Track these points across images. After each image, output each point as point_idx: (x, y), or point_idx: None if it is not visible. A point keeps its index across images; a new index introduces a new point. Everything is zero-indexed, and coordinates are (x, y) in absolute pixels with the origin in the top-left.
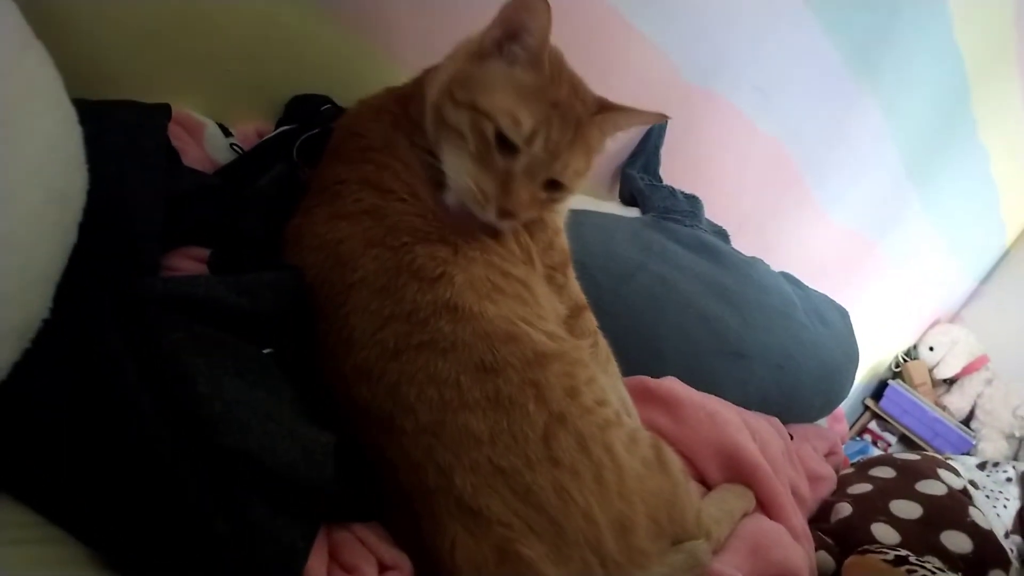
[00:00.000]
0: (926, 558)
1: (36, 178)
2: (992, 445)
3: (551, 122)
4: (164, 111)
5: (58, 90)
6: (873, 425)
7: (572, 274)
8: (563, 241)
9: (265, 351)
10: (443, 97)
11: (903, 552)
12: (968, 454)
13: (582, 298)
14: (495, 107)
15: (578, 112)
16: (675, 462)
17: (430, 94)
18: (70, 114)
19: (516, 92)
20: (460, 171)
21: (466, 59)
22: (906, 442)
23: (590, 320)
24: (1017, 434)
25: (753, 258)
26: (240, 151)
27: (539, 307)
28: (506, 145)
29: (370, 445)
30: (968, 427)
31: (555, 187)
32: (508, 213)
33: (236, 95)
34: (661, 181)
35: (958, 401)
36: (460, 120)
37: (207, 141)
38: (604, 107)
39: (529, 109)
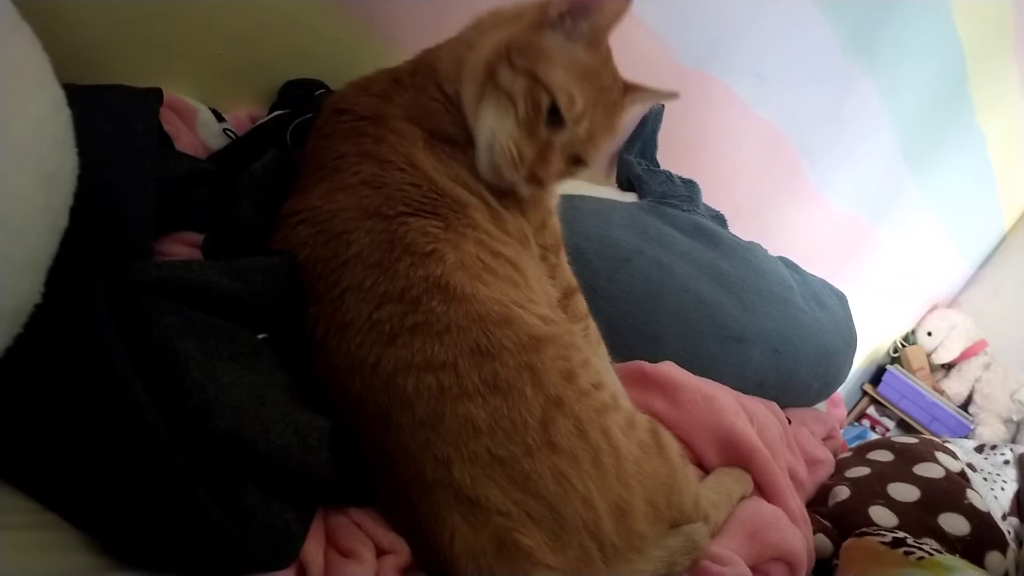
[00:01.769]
0: (924, 540)
1: (23, 161)
2: (990, 429)
3: (597, 106)
4: (156, 95)
5: (45, 72)
6: (871, 410)
7: (564, 256)
8: (556, 223)
9: (259, 336)
10: (498, 58)
11: (901, 534)
12: (966, 438)
13: (573, 281)
14: (555, 81)
15: (615, 97)
16: (672, 446)
17: (446, 64)
18: (58, 96)
19: (574, 70)
20: (503, 131)
21: (525, 26)
22: (904, 427)
23: (581, 303)
24: (1015, 418)
25: (751, 243)
26: (233, 136)
27: (530, 290)
28: (554, 119)
29: (366, 438)
30: (966, 412)
31: (576, 163)
32: (538, 180)
33: (229, 80)
34: (658, 166)
35: (956, 386)
36: (515, 84)
37: (200, 126)
38: (628, 88)
39: (583, 90)
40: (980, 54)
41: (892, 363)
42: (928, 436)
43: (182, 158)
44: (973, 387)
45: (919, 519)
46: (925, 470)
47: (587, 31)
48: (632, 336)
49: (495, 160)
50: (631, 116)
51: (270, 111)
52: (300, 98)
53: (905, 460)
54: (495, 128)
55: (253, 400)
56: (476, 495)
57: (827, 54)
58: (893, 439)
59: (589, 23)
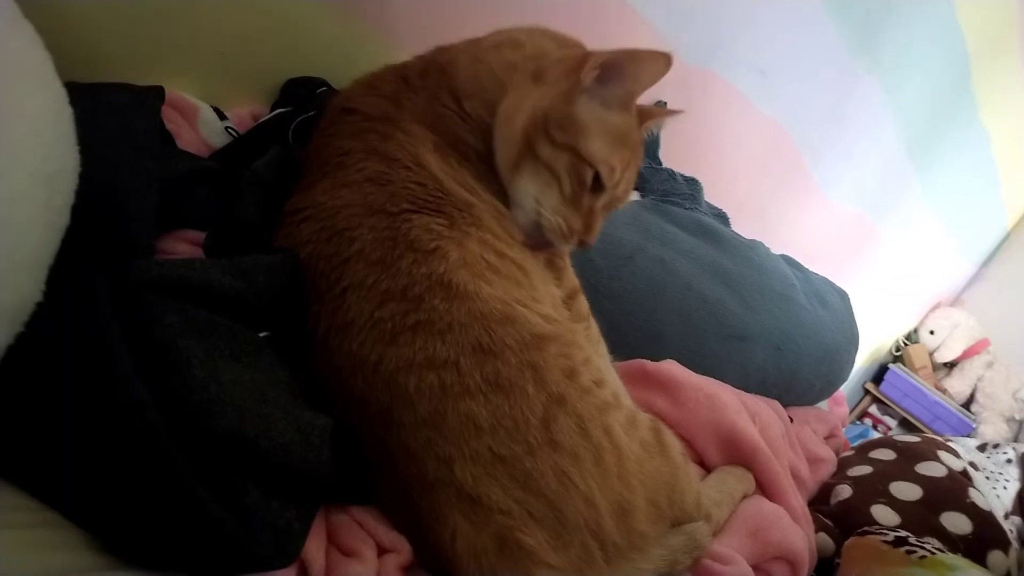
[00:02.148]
0: (926, 539)
1: (25, 158)
2: (992, 428)
3: (630, 164)
4: (158, 93)
5: (47, 70)
6: (873, 409)
7: (568, 260)
8: None
9: (261, 334)
10: (537, 132)
11: (903, 533)
12: (968, 437)
13: (576, 282)
14: (598, 155)
15: (639, 140)
16: (674, 444)
17: (463, 80)
18: (60, 95)
19: (610, 137)
20: (549, 208)
21: (558, 95)
22: (906, 426)
23: (583, 304)
24: (1017, 417)
25: (753, 240)
26: (235, 134)
27: (534, 289)
28: (595, 185)
29: (367, 437)
30: (968, 410)
31: (610, 208)
32: (586, 245)
33: (231, 78)
34: (660, 164)
35: (959, 384)
36: (557, 160)
37: (202, 124)
38: (641, 116)
39: (620, 156)
40: (984, 51)
41: (894, 362)
42: (930, 435)
43: (184, 156)
44: (975, 386)
45: (921, 518)
46: (927, 469)
47: (620, 96)
48: (634, 334)
49: (543, 234)
50: None
51: (272, 109)
52: (302, 96)
53: (907, 459)
54: (539, 200)
55: (255, 398)
56: (478, 494)
57: (830, 51)
58: (895, 438)
59: (623, 89)
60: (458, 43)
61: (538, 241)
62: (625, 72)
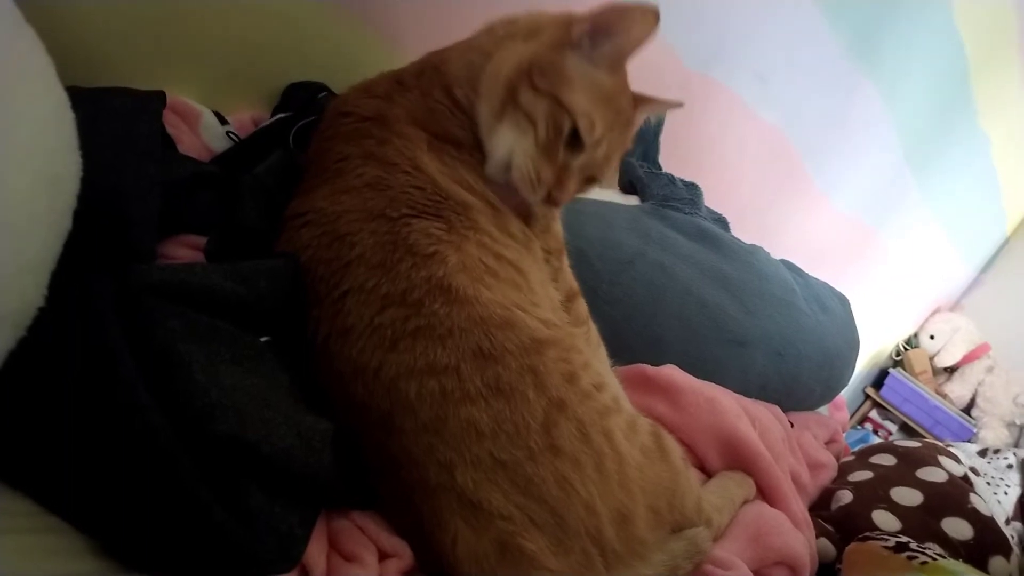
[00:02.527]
0: (927, 545)
1: (27, 163)
2: (993, 433)
3: (614, 129)
4: (159, 98)
5: (49, 75)
6: (874, 414)
7: (566, 260)
8: (559, 227)
9: (262, 339)
10: (520, 77)
11: (904, 539)
12: (969, 442)
13: (575, 285)
14: (577, 106)
15: (629, 116)
16: (675, 449)
17: (455, 68)
18: (62, 99)
19: (595, 94)
20: (521, 152)
21: (547, 45)
22: (907, 430)
23: (582, 307)
24: (1018, 422)
25: (753, 246)
26: (236, 139)
27: (533, 293)
28: (573, 142)
29: (369, 442)
30: (969, 415)
31: (590, 182)
32: (554, 201)
33: (232, 83)
34: (660, 169)
35: (959, 389)
36: (536, 106)
37: (203, 129)
38: (636, 100)
39: (603, 115)
40: (983, 57)
41: (895, 366)
42: (931, 440)
43: (185, 161)
44: (976, 391)
45: (922, 523)
46: (928, 474)
47: (609, 54)
48: (634, 339)
49: (512, 177)
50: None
51: (273, 114)
52: (303, 100)
53: (908, 464)
54: (513, 147)
55: (256, 403)
56: (479, 499)
57: (830, 57)
58: (896, 443)
59: (612, 46)
60: (449, 45)
61: (508, 191)
62: (615, 28)
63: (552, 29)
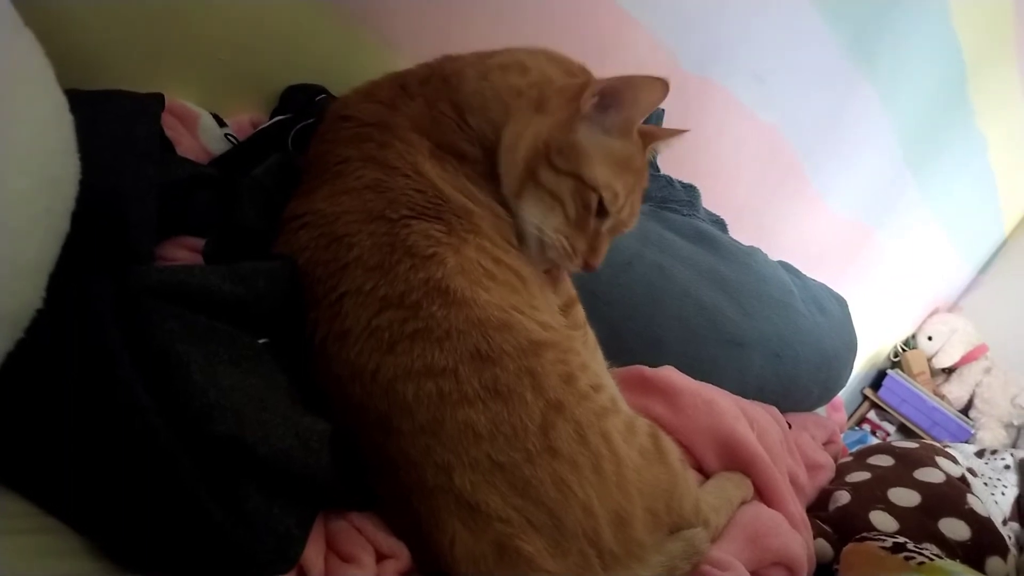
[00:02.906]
0: (924, 545)
1: (25, 164)
2: (991, 434)
3: (634, 189)
4: (158, 100)
5: (48, 77)
6: (872, 415)
7: (565, 272)
8: None
9: (260, 340)
10: (538, 160)
11: (901, 539)
12: (967, 443)
13: (573, 292)
14: (600, 179)
15: (642, 164)
16: (673, 451)
17: (467, 93)
18: (60, 101)
19: (613, 162)
20: (552, 229)
21: (558, 123)
22: (905, 431)
23: (580, 312)
24: (1016, 423)
25: (751, 247)
26: (235, 141)
27: (531, 296)
28: (599, 211)
29: (367, 444)
30: (967, 416)
31: (618, 231)
32: (591, 268)
33: (230, 85)
34: (658, 170)
35: (957, 390)
36: (560, 186)
37: (201, 131)
38: (645, 137)
39: (623, 180)
40: (980, 58)
41: (892, 367)
42: (929, 441)
43: (184, 163)
44: (974, 391)
45: (919, 524)
46: (926, 475)
47: (620, 122)
48: (633, 341)
49: (548, 253)
50: None
51: (272, 116)
52: (302, 103)
53: (906, 465)
54: (541, 224)
55: (254, 404)
56: (476, 501)
57: (828, 59)
58: (893, 444)
59: (621, 116)
60: (466, 55)
61: (545, 263)
62: (623, 98)
63: (563, 104)
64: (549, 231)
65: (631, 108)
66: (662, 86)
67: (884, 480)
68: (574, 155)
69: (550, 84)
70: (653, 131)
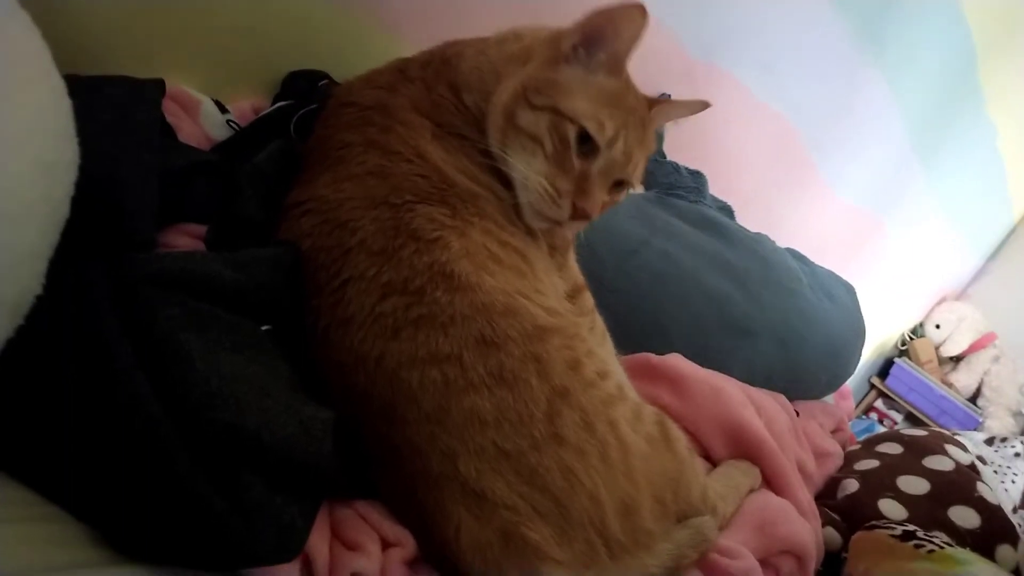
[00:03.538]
0: (934, 533)
1: (23, 149)
2: (999, 422)
3: (627, 126)
4: (158, 86)
5: (45, 60)
6: (879, 403)
7: (572, 257)
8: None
9: (263, 328)
10: (516, 102)
11: (911, 527)
12: (975, 431)
13: (580, 279)
14: (579, 111)
15: (643, 115)
16: (680, 438)
17: (466, 71)
18: (58, 85)
19: (597, 97)
20: (532, 171)
21: (539, 65)
22: (912, 420)
23: (588, 299)
24: None
25: (758, 234)
26: (236, 127)
27: (537, 281)
28: (585, 147)
29: (371, 432)
30: (975, 404)
31: (618, 186)
32: (583, 213)
33: (232, 71)
34: (665, 157)
35: (965, 379)
36: (537, 123)
37: (203, 117)
38: (652, 103)
39: (610, 113)
40: (990, 45)
41: (900, 356)
42: (937, 429)
43: (185, 149)
44: (982, 380)
45: (929, 512)
46: (935, 463)
47: (605, 60)
48: (639, 328)
49: (532, 201)
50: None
51: (273, 102)
52: (303, 89)
53: (914, 453)
54: (528, 169)
55: (256, 392)
56: (482, 488)
57: (836, 45)
58: (902, 432)
59: (606, 52)
60: (469, 39)
61: (541, 221)
62: (604, 33)
63: (542, 48)
64: (531, 174)
65: (614, 42)
66: (640, 12)
67: (893, 468)
68: (550, 88)
69: (536, 39)
70: (663, 100)
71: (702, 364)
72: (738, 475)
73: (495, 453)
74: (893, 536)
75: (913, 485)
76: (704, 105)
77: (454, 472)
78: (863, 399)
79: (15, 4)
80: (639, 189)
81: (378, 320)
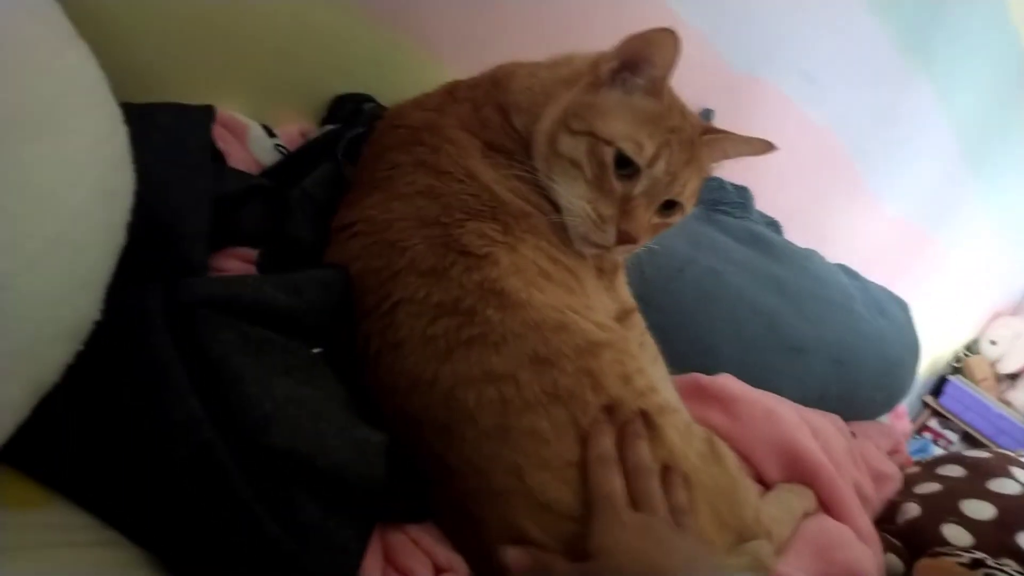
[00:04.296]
0: (1003, 561)
1: (83, 177)
2: None
3: (671, 145)
4: (208, 112)
5: (103, 88)
6: (933, 423)
7: (622, 279)
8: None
9: (315, 350)
10: (557, 128)
11: (979, 555)
12: None
13: (630, 302)
14: (615, 132)
15: (690, 133)
16: (730, 456)
17: (516, 93)
18: (115, 112)
19: (636, 118)
20: (575, 198)
21: (579, 90)
22: (969, 440)
23: (638, 321)
24: None
25: (808, 250)
26: (285, 152)
27: (587, 297)
28: (626, 169)
29: (425, 454)
30: None
31: (670, 208)
32: (628, 237)
33: (278, 96)
34: (709, 173)
35: (1023, 396)
36: (576, 148)
37: (251, 142)
38: (708, 130)
39: (650, 133)
40: None
41: (954, 374)
42: (1001, 450)
43: (235, 174)
44: None
45: (996, 538)
46: (1000, 486)
47: (644, 84)
48: (687, 348)
49: (577, 226)
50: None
51: (320, 126)
52: (350, 112)
53: (978, 475)
54: (568, 195)
55: (310, 415)
56: (547, 500)
57: (879, 54)
58: (964, 453)
59: (642, 75)
60: (522, 62)
61: (589, 247)
62: (641, 57)
63: (586, 72)
64: (574, 199)
65: (651, 66)
66: (671, 38)
67: (955, 491)
68: (588, 113)
69: (584, 62)
70: (717, 130)
71: (752, 384)
72: (792, 498)
73: (561, 464)
74: (961, 564)
75: (978, 510)
76: (769, 147)
77: (519, 486)
78: (916, 418)
79: (74, 34)
80: (690, 211)
81: (430, 343)
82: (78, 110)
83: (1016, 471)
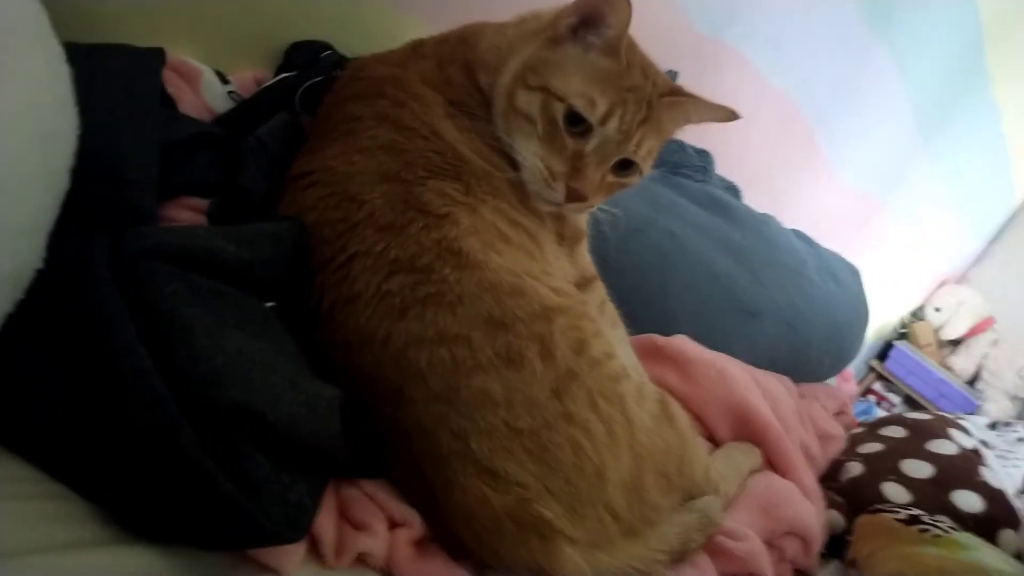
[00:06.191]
0: (938, 517)
1: (21, 119)
2: (997, 406)
3: (626, 103)
4: (158, 56)
5: (44, 27)
6: (878, 386)
7: (584, 248)
8: (580, 218)
9: (267, 304)
10: (516, 83)
11: (916, 511)
12: (973, 415)
13: (591, 270)
14: (569, 88)
15: (649, 93)
16: (682, 416)
17: (483, 51)
18: (57, 53)
19: (591, 76)
20: (529, 154)
21: (538, 45)
22: (911, 403)
23: (599, 289)
24: (1022, 395)
25: (765, 214)
26: (238, 99)
27: (546, 262)
28: (577, 126)
29: (377, 413)
30: (973, 388)
31: (626, 168)
32: (577, 194)
33: (233, 42)
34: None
35: (963, 362)
36: (531, 103)
37: (204, 88)
38: (674, 91)
39: (603, 90)
40: (998, 26)
41: (899, 339)
42: (941, 413)
43: (186, 121)
44: (980, 364)
45: (933, 496)
46: (939, 447)
47: (600, 43)
48: (643, 309)
49: (531, 184)
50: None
51: (276, 73)
52: (307, 60)
53: (918, 436)
54: (523, 153)
55: (261, 369)
56: (494, 467)
57: (844, 23)
58: (906, 415)
59: (598, 34)
60: (491, 21)
61: (544, 203)
62: (594, 15)
63: (543, 30)
64: (528, 155)
65: (604, 26)
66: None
67: (897, 451)
68: (545, 68)
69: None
70: (683, 92)
71: (707, 345)
72: (739, 455)
73: (506, 432)
74: (898, 520)
75: (917, 469)
76: (733, 115)
77: (465, 451)
78: (862, 381)
79: None
80: (647, 172)
81: (385, 298)
82: (16, 49)
83: (954, 433)
